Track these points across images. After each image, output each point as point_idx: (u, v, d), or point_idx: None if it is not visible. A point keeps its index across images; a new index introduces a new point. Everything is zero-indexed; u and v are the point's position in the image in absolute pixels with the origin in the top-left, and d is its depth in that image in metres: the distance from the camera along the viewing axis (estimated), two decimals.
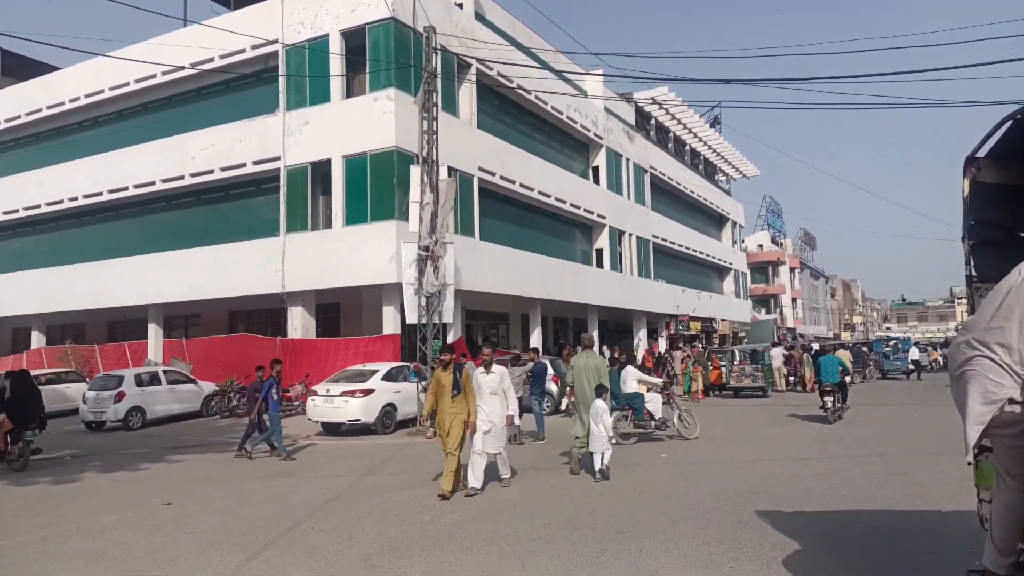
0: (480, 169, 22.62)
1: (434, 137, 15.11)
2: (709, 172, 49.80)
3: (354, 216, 19.77)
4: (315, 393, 15.21)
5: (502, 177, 23.88)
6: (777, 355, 24.25)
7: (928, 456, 10.46)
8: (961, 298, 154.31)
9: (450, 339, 21.73)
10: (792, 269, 74.84)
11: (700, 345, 34.43)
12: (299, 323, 20.93)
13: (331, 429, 15.58)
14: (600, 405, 9.53)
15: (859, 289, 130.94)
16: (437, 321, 15.34)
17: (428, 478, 9.75)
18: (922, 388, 25.69)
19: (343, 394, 14.67)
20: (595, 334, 31.48)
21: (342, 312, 23.52)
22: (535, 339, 26.78)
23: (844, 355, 26.56)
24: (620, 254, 33.20)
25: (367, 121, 19.51)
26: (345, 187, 19.99)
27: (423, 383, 14.88)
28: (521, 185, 25.02)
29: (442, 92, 21.07)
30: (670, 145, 42.67)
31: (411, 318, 15.15)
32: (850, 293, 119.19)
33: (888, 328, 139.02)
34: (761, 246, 71.38)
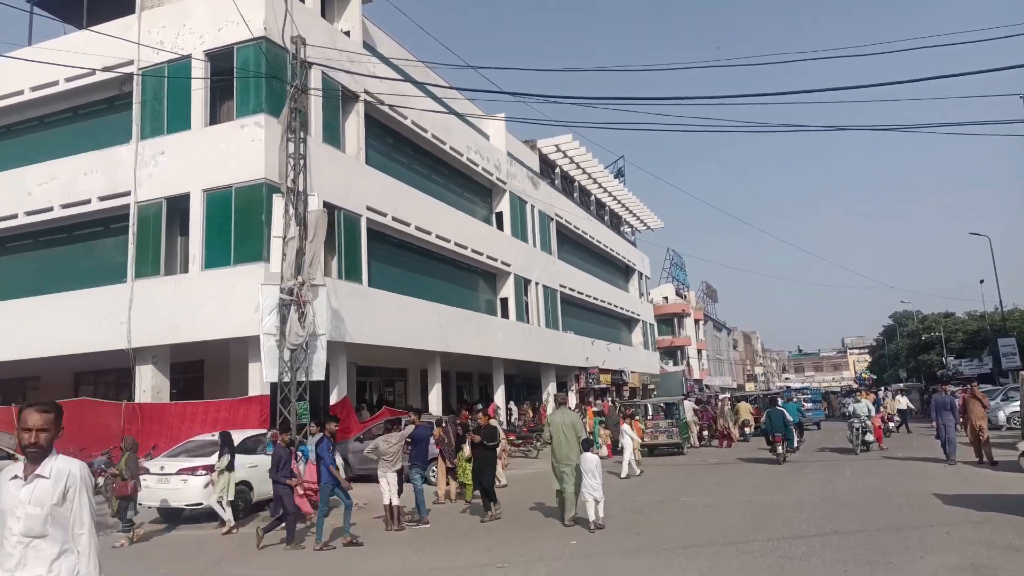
0: (369, 209, 20.41)
1: (301, 162, 12.91)
2: (615, 223, 49.47)
3: (215, 258, 17.04)
4: (146, 471, 12.25)
5: (395, 219, 21.74)
6: (688, 408, 22.82)
7: (891, 530, 8.77)
8: (852, 349, 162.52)
9: (333, 398, 19.21)
10: (696, 321, 75.72)
11: (611, 399, 32.85)
12: (148, 384, 17.74)
13: (170, 516, 12.65)
14: (592, 458, 10.09)
15: (759, 340, 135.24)
16: (304, 379, 12.79)
17: None
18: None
19: (181, 472, 11.83)
20: (500, 389, 29.37)
21: (207, 371, 20.42)
22: (435, 396, 24.34)
23: (744, 407, 25.70)
24: (526, 304, 31.47)
25: (233, 150, 17.04)
26: (205, 225, 17.29)
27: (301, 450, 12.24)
28: (417, 228, 22.94)
29: (325, 124, 19.07)
30: (575, 195, 41.93)
31: (270, 375, 12.59)
32: (751, 344, 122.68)
33: (787, 378, 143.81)
34: (666, 298, 71.89)
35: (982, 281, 56.34)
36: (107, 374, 21.83)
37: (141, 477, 12.36)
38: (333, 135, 19.41)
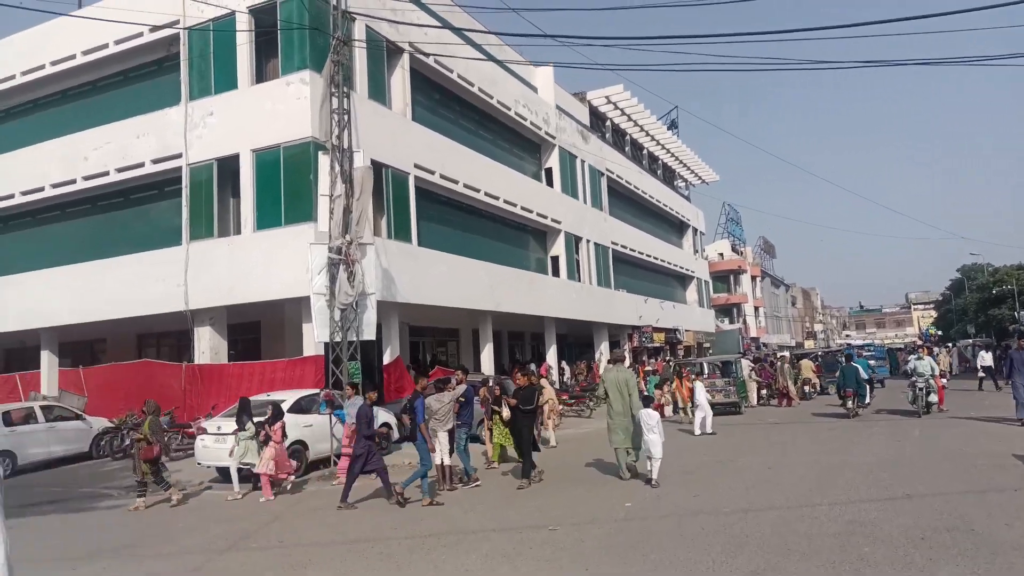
0: (417, 167, 20.08)
1: (346, 118, 12.60)
2: (668, 177, 48.09)
3: (266, 219, 17.01)
4: (204, 431, 12.41)
5: (443, 176, 21.36)
6: (746, 366, 22.11)
7: (971, 494, 8.18)
8: (916, 305, 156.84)
9: (386, 358, 19.22)
10: (753, 278, 73.80)
11: (666, 358, 32.28)
12: (207, 346, 18.02)
13: (230, 475, 12.82)
14: (652, 414, 10.13)
15: (818, 297, 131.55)
16: (355, 338, 12.68)
17: (301, 557, 7.15)
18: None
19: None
20: (552, 349, 29.12)
21: (263, 331, 20.65)
22: (486, 356, 24.22)
23: (807, 365, 24.84)
24: (577, 262, 30.90)
25: (279, 109, 16.83)
26: (256, 186, 17.24)
27: (336, 414, 12.22)
28: (465, 186, 22.54)
29: (372, 79, 18.68)
30: (627, 148, 40.74)
31: (321, 335, 12.51)
32: (810, 301, 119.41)
33: (848, 335, 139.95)
34: (722, 255, 70.15)
35: None
36: (168, 336, 22.35)
37: (200, 437, 12.55)
38: (379, 91, 19.02)
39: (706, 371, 23.47)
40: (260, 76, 17.99)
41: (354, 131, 17.03)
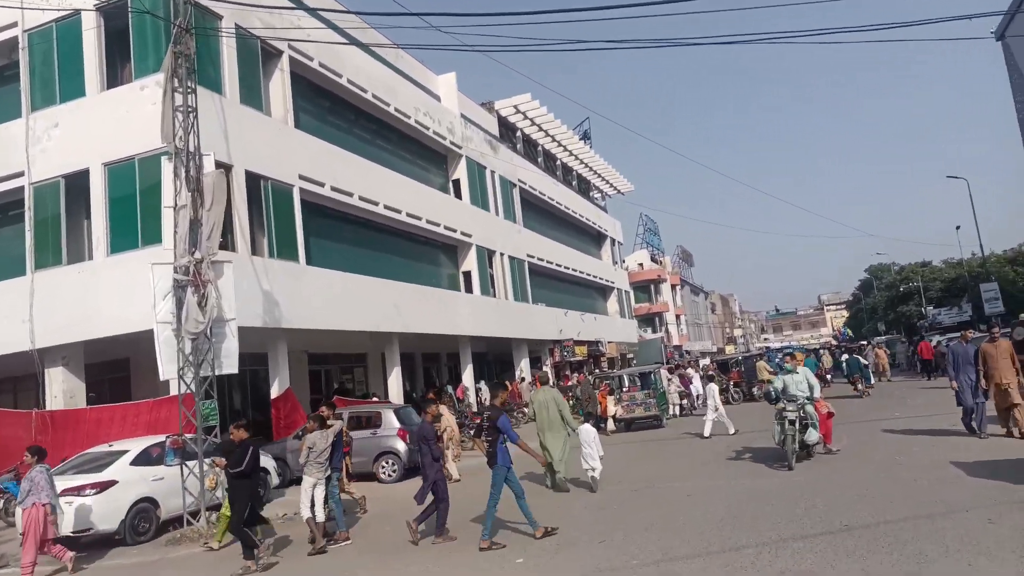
0: (303, 178, 18.33)
1: (192, 117, 10.83)
2: (583, 188, 47.61)
3: (122, 242, 14.91)
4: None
5: (335, 189, 19.67)
6: (665, 376, 21.22)
7: (920, 520, 7.09)
8: (829, 306, 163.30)
9: (275, 391, 17.34)
10: (673, 286, 74.50)
11: (585, 371, 31.25)
12: (59, 389, 15.67)
13: (68, 542, 10.72)
14: (589, 429, 11.20)
15: (736, 302, 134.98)
16: (210, 373, 10.87)
17: None
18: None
19: (67, 492, 9.89)
20: (469, 369, 27.63)
21: (132, 369, 18.32)
22: (394, 381, 22.50)
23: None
24: (492, 276, 29.60)
25: (133, 116, 14.82)
26: (108, 204, 15.13)
27: (188, 465, 10.36)
28: (361, 198, 20.87)
29: (244, 82, 16.98)
30: (540, 159, 39.94)
31: (168, 372, 10.64)
32: (728, 307, 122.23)
33: (766, 339, 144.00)
34: (641, 265, 70.48)
35: (958, 227, 55.19)
36: (26, 380, 19.63)
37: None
38: (253, 95, 17.25)
39: (626, 384, 22.44)
40: (113, 81, 15.95)
41: (226, 139, 15.28)
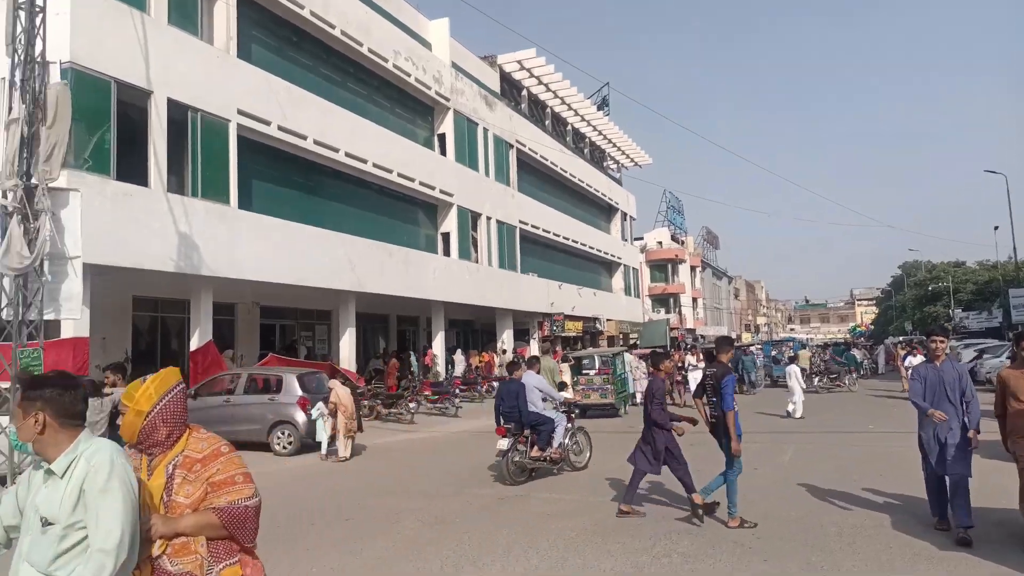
0: (242, 113, 16.72)
1: (39, 18, 9.23)
2: (596, 158, 45.31)
3: None
4: None
5: (283, 128, 18.04)
6: (630, 361, 19.41)
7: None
8: (860, 300, 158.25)
9: (194, 343, 16.02)
10: (693, 268, 71.87)
11: (560, 348, 29.45)
12: None
13: None
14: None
15: (763, 290, 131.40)
16: (49, 316, 9.42)
17: None
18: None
19: None
20: (441, 335, 26.08)
21: None
22: (346, 343, 21.06)
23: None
24: (474, 240, 27.88)
25: None
26: None
27: None
28: (317, 142, 19.23)
29: (177, 3, 15.32)
30: (547, 122, 37.78)
31: None
32: (754, 294, 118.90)
33: (792, 329, 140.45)
34: (661, 243, 68.01)
35: (996, 227, 51.82)
36: None
37: None
38: (187, 17, 15.62)
39: (596, 365, 20.62)
40: None
41: (146, 61, 13.72)
